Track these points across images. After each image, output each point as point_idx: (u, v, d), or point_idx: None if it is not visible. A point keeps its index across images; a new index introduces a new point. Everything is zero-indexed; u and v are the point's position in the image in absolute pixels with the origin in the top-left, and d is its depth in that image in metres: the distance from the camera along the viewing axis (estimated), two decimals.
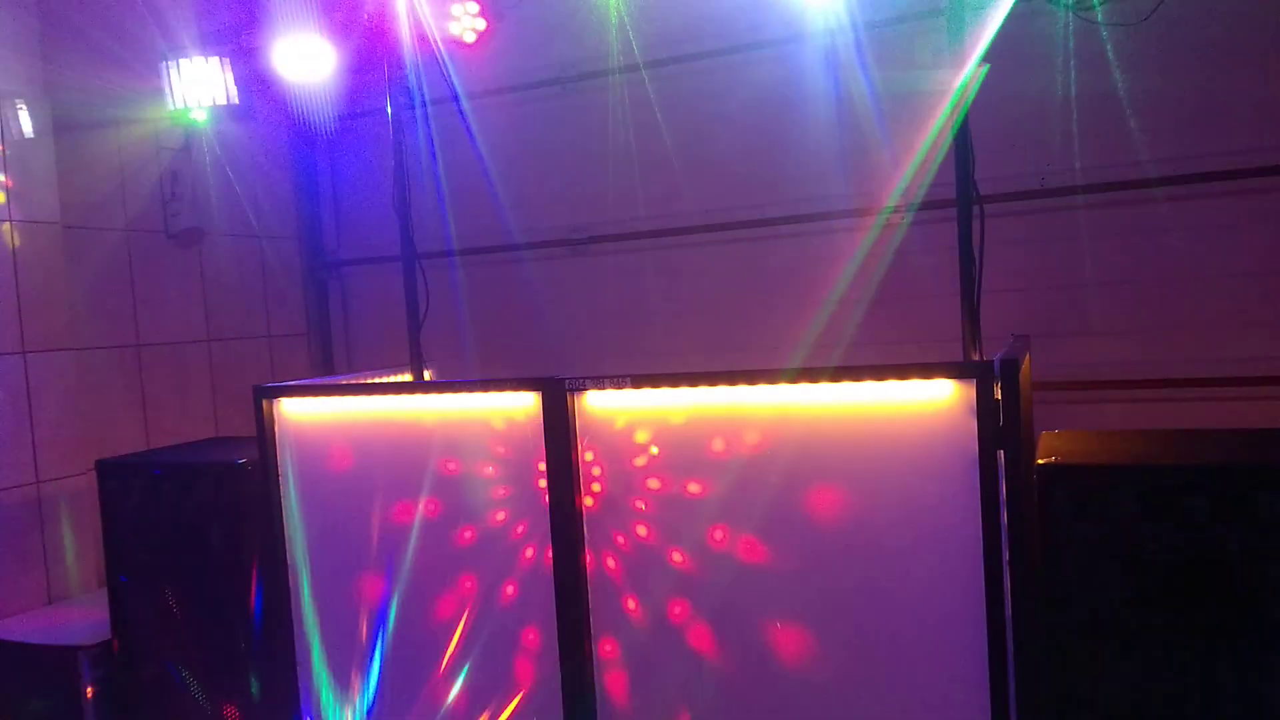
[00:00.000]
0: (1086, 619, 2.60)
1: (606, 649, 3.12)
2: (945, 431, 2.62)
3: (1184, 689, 2.52)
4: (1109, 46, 4.17)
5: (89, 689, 3.92)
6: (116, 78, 4.73)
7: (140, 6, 4.79)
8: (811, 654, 2.82)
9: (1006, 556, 2.57)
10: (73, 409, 4.55)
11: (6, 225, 4.27)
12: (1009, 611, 2.57)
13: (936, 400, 2.63)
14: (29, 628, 4.12)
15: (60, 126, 4.54)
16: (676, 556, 2.99)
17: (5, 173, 4.28)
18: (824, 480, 2.78)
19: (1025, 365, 2.97)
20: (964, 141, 3.26)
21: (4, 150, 4.28)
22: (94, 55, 4.69)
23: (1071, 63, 4.28)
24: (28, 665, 3.97)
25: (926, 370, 2.64)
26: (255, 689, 3.74)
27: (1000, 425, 2.55)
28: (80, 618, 4.21)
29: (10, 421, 4.27)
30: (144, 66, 4.67)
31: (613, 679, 3.12)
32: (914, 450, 2.67)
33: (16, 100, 4.34)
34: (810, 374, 2.77)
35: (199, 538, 3.76)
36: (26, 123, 4.39)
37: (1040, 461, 2.65)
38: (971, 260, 3.27)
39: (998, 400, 2.56)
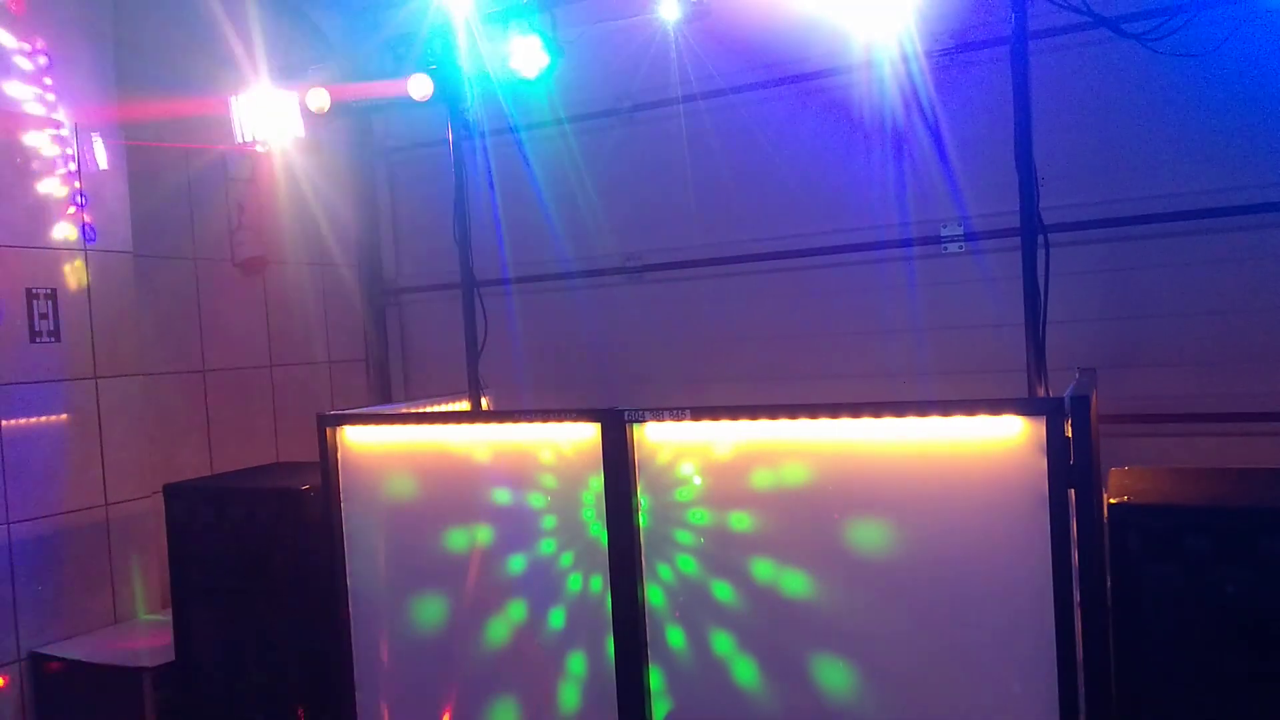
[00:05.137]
0: (1161, 664, 2.53)
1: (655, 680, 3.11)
2: (1014, 469, 2.57)
3: None
4: (1173, 76, 4.11)
5: (153, 710, 3.98)
6: (187, 109, 4.86)
7: (211, 41, 4.92)
8: (873, 693, 2.78)
9: (1078, 598, 2.52)
10: (140, 433, 4.65)
11: (81, 255, 4.40)
12: (1080, 656, 2.51)
13: (1005, 437, 2.59)
14: (95, 648, 4.20)
15: (133, 157, 4.67)
16: (731, 588, 2.97)
17: (81, 203, 4.42)
18: (890, 518, 2.74)
19: (1093, 400, 2.92)
20: (1028, 171, 3.23)
21: (80, 181, 4.42)
22: (166, 87, 4.82)
23: (1134, 91, 4.23)
24: (93, 685, 4.05)
25: (995, 406, 2.60)
26: (315, 712, 3.77)
27: (1071, 463, 2.51)
28: (145, 638, 4.29)
29: (81, 445, 4.39)
30: (213, 99, 4.79)
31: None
32: (981, 488, 2.62)
33: (93, 132, 4.49)
34: (875, 408, 2.73)
35: (263, 561, 3.82)
36: (102, 154, 4.53)
37: (1112, 501, 2.59)
38: (1036, 291, 3.22)
39: (1068, 437, 2.51)
